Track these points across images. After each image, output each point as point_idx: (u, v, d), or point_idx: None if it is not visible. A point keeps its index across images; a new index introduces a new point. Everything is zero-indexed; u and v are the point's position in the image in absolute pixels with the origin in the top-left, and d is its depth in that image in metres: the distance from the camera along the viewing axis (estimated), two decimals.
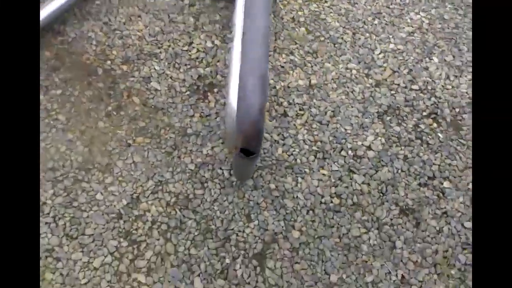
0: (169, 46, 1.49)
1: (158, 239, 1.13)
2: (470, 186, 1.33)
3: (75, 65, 1.39)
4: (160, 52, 1.47)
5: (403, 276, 1.18)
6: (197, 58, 1.48)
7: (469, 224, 1.27)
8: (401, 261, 1.20)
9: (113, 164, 1.23)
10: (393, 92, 1.51)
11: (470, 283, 1.17)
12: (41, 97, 1.30)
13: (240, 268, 1.12)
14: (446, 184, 1.34)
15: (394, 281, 1.17)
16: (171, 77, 1.42)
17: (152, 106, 1.35)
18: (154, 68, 1.43)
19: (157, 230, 1.14)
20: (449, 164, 1.38)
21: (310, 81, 1.48)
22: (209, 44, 1.52)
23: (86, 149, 1.24)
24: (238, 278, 1.11)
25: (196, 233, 1.15)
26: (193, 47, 1.50)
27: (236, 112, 0.84)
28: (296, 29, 1.63)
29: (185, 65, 1.46)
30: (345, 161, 1.34)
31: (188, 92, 1.40)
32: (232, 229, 1.17)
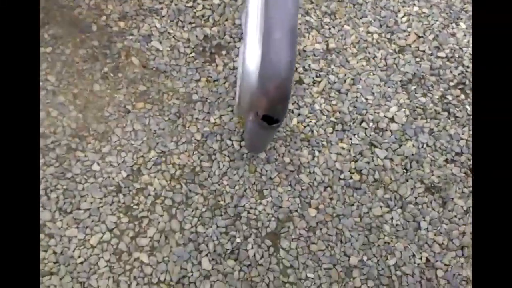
0: (172, 1, 1.35)
1: (161, 215, 1.03)
2: None
3: (66, 21, 1.25)
4: (162, 8, 1.33)
5: (428, 259, 1.10)
6: (202, 16, 1.34)
7: None
8: (426, 243, 1.11)
9: (111, 131, 1.11)
10: (418, 59, 1.39)
11: None
12: None
13: (252, 248, 1.03)
14: None
15: (418, 264, 1.09)
16: (174, 36, 1.29)
17: (153, 68, 1.22)
18: (155, 26, 1.29)
19: (161, 205, 1.04)
20: None
21: (327, 45, 1.36)
22: (216, 1, 1.38)
23: (80, 114, 1.12)
24: (250, 258, 1.02)
25: (203, 210, 1.06)
26: (198, 4, 1.36)
27: (259, 71, 0.72)
28: None
29: (190, 23, 1.32)
30: (366, 134, 1.23)
31: (193, 54, 1.27)
32: (243, 206, 1.08)
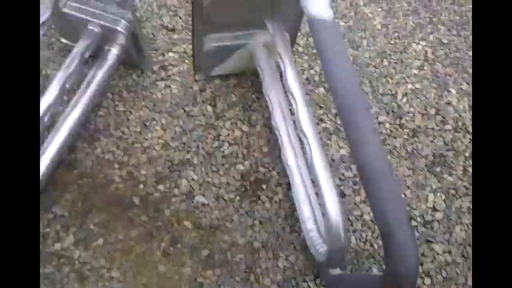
0: (198, 147, 1.33)
1: None
2: None
3: (106, 201, 1.19)
4: (192, 157, 1.30)
5: None
6: (231, 153, 1.33)
7: None
8: None
9: None
10: (431, 138, 1.46)
11: None
12: (83, 254, 1.10)
13: None
14: None
15: None
16: (213, 185, 1.26)
17: (208, 226, 1.19)
18: (192, 179, 1.26)
19: None
20: None
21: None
22: (237, 133, 1.37)
23: None
24: None
25: None
26: (223, 141, 1.35)
27: (386, 267, 0.74)
28: (316, 91, 1.53)
29: (222, 165, 1.31)
30: (418, 231, 1.27)
31: (237, 198, 1.25)
32: None
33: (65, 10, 1.18)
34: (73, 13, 1.22)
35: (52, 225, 1.13)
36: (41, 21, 1.00)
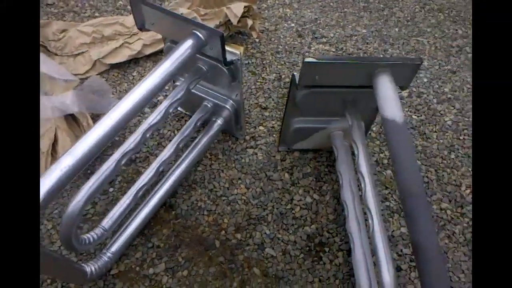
0: (273, 206, 1.55)
1: None
2: None
3: (194, 240, 1.44)
4: (267, 215, 1.52)
5: None
6: (301, 216, 1.53)
7: None
8: None
9: None
10: None
11: None
12: (169, 280, 1.33)
13: None
14: None
15: None
16: (282, 241, 1.45)
17: (273, 276, 1.37)
18: (265, 233, 1.47)
19: None
20: None
21: None
22: (308, 200, 1.57)
23: None
24: None
25: None
26: (295, 205, 1.56)
27: None
28: (383, 172, 1.70)
29: (292, 225, 1.50)
30: None
31: (302, 255, 1.42)
32: None
33: (193, 90, 1.55)
34: (196, 92, 1.60)
35: (149, 253, 1.40)
36: (175, 99, 1.35)
